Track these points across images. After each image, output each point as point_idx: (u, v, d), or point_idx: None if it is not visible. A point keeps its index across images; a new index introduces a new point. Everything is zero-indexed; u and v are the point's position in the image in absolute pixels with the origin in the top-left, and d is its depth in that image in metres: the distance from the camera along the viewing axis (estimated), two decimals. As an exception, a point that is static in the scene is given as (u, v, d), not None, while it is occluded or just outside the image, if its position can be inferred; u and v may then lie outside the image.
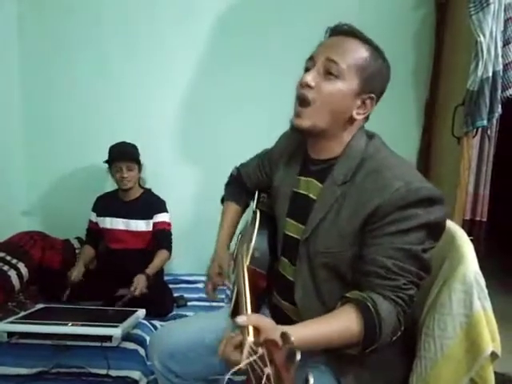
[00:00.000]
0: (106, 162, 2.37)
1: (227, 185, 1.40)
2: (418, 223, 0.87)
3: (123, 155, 2.35)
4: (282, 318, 1.07)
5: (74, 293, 2.21)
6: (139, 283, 2.14)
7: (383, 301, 0.85)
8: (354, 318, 0.84)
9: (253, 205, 1.34)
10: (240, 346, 0.70)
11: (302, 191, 1.08)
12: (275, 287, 1.16)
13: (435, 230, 0.91)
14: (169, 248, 2.42)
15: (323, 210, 0.98)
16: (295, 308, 1.05)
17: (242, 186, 1.35)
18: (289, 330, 0.69)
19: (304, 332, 0.80)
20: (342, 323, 0.84)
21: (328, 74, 0.95)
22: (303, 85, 0.97)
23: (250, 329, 0.69)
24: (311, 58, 1.00)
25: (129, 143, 2.39)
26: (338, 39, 0.98)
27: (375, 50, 0.98)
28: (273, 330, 0.72)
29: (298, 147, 1.12)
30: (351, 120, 0.99)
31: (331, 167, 1.00)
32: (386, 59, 1.00)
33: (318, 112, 0.96)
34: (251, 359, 0.62)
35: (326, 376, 0.96)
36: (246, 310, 0.84)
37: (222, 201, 1.39)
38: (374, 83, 0.98)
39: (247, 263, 1.10)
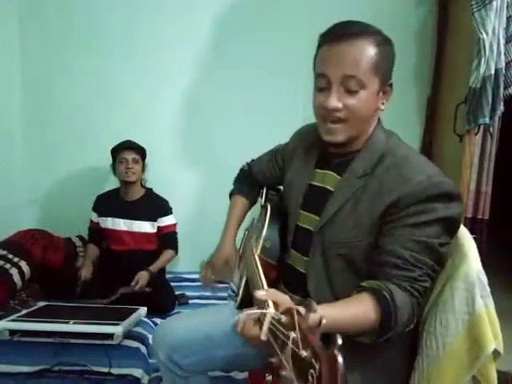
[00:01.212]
0: (112, 153, 2.36)
1: (236, 179, 1.41)
2: (437, 217, 0.89)
3: (130, 146, 2.35)
4: None
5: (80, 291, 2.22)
6: (140, 279, 2.15)
7: (399, 291, 0.86)
8: (370, 306, 0.84)
9: (261, 201, 1.35)
10: (259, 321, 0.69)
11: (317, 183, 1.09)
12: (282, 279, 1.16)
13: (452, 226, 0.93)
14: (175, 248, 2.44)
15: (341, 201, 1.00)
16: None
17: (251, 182, 1.36)
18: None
19: (323, 311, 0.79)
20: (359, 309, 0.85)
21: (350, 90, 0.94)
22: (331, 109, 0.96)
23: (270, 303, 0.69)
24: (323, 76, 0.97)
25: (131, 140, 2.40)
26: (342, 48, 0.94)
27: (378, 37, 0.96)
28: (291, 304, 0.72)
29: (314, 141, 1.13)
30: (377, 112, 1.02)
31: (351, 161, 1.02)
32: (387, 37, 0.99)
33: (352, 126, 0.98)
34: (272, 326, 0.61)
35: None
36: (263, 286, 0.84)
37: (230, 195, 1.39)
38: (389, 70, 1.00)
39: (258, 253, 1.11)
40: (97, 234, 2.48)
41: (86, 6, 2.60)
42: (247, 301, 1.06)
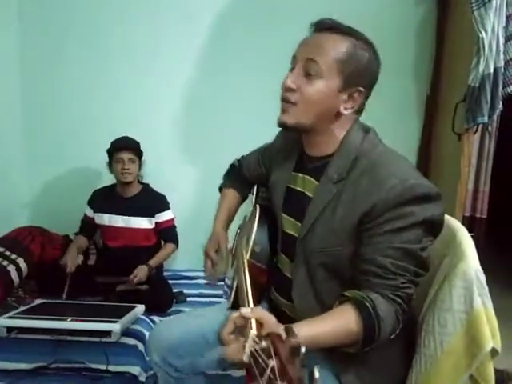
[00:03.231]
0: (108, 152, 2.33)
1: (227, 174, 1.40)
2: (414, 221, 0.86)
3: (126, 146, 2.32)
4: (278, 313, 1.07)
5: (73, 289, 2.20)
6: (139, 273, 2.15)
7: (382, 300, 0.85)
8: (352, 318, 0.83)
9: (252, 199, 1.34)
10: (240, 334, 0.70)
11: (297, 188, 1.07)
12: (273, 283, 1.16)
13: (432, 227, 0.90)
14: (175, 241, 2.44)
15: (319, 209, 0.97)
16: (292, 305, 1.05)
17: (241, 178, 1.35)
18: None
19: (307, 329, 0.79)
20: (341, 323, 0.84)
21: (308, 74, 0.94)
22: (286, 88, 0.96)
23: (253, 322, 0.69)
24: (293, 57, 0.99)
25: (131, 138, 2.37)
26: (319, 36, 0.96)
27: (360, 42, 0.96)
28: (276, 324, 0.72)
29: (295, 143, 1.11)
30: (339, 115, 0.97)
31: (326, 164, 0.99)
32: (374, 49, 0.98)
33: (301, 111, 0.96)
34: (253, 349, 0.62)
35: (325, 373, 0.96)
36: (249, 303, 0.84)
37: (220, 189, 1.39)
38: (359, 76, 0.95)
39: (247, 257, 1.10)
40: (88, 227, 2.46)
41: (86, 5, 2.60)
42: (239, 303, 1.05)
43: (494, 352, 0.87)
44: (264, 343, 0.61)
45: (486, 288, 0.91)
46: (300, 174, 1.07)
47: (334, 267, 0.97)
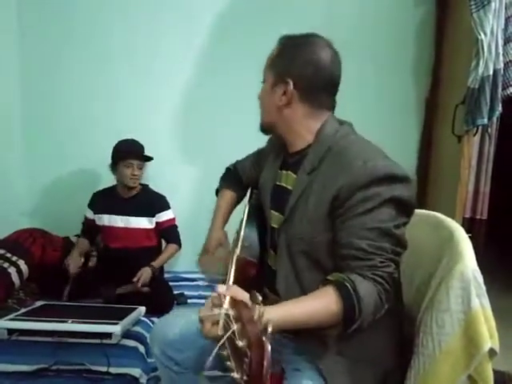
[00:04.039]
0: (116, 154, 2.32)
1: (223, 177, 1.43)
2: (382, 199, 0.89)
3: (138, 153, 2.34)
4: None
5: (74, 291, 2.21)
6: (143, 275, 2.16)
7: (362, 280, 0.87)
8: (332, 298, 0.85)
9: (246, 201, 1.37)
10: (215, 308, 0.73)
11: (282, 183, 1.13)
12: (265, 281, 1.17)
13: (403, 206, 0.92)
14: (177, 242, 2.44)
15: (294, 199, 1.02)
16: (280, 300, 1.06)
17: (237, 180, 1.39)
18: (266, 309, 0.69)
19: (280, 310, 0.82)
20: (320, 302, 0.86)
21: (262, 82, 1.12)
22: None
23: (227, 298, 0.70)
24: None
25: (138, 141, 2.37)
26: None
27: (288, 42, 1.07)
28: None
29: (281, 144, 1.16)
30: (283, 109, 1.05)
31: (303, 158, 1.04)
32: (308, 43, 1.04)
33: (262, 113, 1.14)
34: (225, 322, 0.64)
35: (312, 376, 0.96)
36: (228, 281, 0.87)
37: (217, 193, 1.42)
38: (287, 70, 1.03)
39: (237, 252, 1.13)
40: (90, 229, 2.47)
41: (86, 6, 2.61)
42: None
43: (492, 352, 0.87)
44: (231, 311, 0.64)
45: (484, 288, 0.91)
46: (284, 171, 1.13)
47: (313, 256, 0.99)
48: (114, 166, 2.35)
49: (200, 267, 1.31)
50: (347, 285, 0.85)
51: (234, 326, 0.60)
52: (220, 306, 0.70)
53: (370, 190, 0.89)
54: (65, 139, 2.70)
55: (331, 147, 0.99)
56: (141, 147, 2.37)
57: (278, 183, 1.14)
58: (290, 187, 1.07)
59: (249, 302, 0.65)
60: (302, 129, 1.06)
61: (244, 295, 0.75)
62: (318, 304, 0.86)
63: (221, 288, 0.74)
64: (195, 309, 1.38)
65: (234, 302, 0.69)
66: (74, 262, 2.23)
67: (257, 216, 1.23)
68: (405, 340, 1.03)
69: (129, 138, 2.36)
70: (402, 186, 0.91)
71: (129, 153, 2.31)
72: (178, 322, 1.19)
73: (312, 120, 1.05)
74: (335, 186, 0.92)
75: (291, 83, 1.02)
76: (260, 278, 1.18)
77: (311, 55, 1.02)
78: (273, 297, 1.11)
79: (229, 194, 1.37)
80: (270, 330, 0.57)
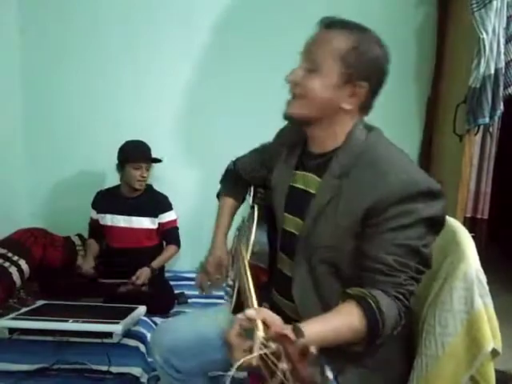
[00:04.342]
0: (123, 154, 2.32)
1: (223, 179, 1.40)
2: (418, 217, 0.86)
3: (147, 155, 2.34)
4: (278, 314, 1.07)
5: (75, 290, 2.21)
6: (142, 274, 2.17)
7: (385, 297, 0.85)
8: (356, 315, 0.83)
9: (249, 200, 1.33)
10: (246, 336, 0.69)
11: (299, 185, 1.06)
12: (274, 283, 1.15)
13: (435, 225, 0.90)
14: (177, 243, 2.45)
15: (322, 204, 0.97)
16: (293, 305, 1.05)
17: (237, 180, 1.35)
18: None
19: (313, 328, 0.78)
20: (345, 321, 0.84)
21: (309, 69, 0.96)
22: (289, 82, 0.99)
23: (259, 323, 0.68)
24: (300, 53, 1.01)
25: (145, 143, 2.36)
26: (322, 32, 0.98)
27: (364, 36, 0.95)
28: (282, 325, 0.71)
29: (297, 141, 1.11)
30: (342, 110, 0.97)
31: (329, 161, 0.99)
32: (381, 44, 0.97)
33: (304, 105, 0.98)
34: (262, 352, 0.60)
35: None
36: (253, 304, 0.83)
37: (218, 196, 1.39)
38: (362, 71, 0.94)
39: (247, 258, 1.10)
40: (96, 230, 2.47)
41: (86, 6, 2.60)
42: (241, 305, 1.05)
43: (494, 352, 0.87)
44: (273, 345, 0.60)
45: (487, 288, 0.91)
46: (301, 172, 1.07)
47: (335, 263, 0.97)
48: (121, 167, 2.34)
49: (196, 282, 1.29)
50: (370, 302, 0.83)
51: (284, 365, 0.56)
52: (250, 329, 0.67)
53: (408, 205, 0.86)
54: (66, 139, 2.70)
55: (362, 154, 0.94)
56: (148, 149, 2.37)
57: (293, 184, 1.08)
58: (312, 191, 1.02)
59: (287, 332, 0.62)
60: (339, 130, 0.99)
61: (276, 319, 0.71)
62: (342, 322, 0.83)
63: (250, 312, 0.71)
64: (198, 313, 1.38)
65: (267, 327, 0.66)
66: (88, 265, 2.30)
67: (266, 218, 1.19)
68: (414, 345, 1.02)
69: (136, 139, 2.35)
70: (438, 203, 0.88)
71: (138, 155, 2.31)
72: (181, 329, 1.17)
73: (351, 122, 0.99)
74: (370, 197, 0.88)
75: (367, 88, 0.95)
76: (269, 283, 1.16)
77: (385, 59, 0.96)
78: (284, 302, 1.09)
79: (229, 202, 1.33)
80: (330, 376, 0.55)
